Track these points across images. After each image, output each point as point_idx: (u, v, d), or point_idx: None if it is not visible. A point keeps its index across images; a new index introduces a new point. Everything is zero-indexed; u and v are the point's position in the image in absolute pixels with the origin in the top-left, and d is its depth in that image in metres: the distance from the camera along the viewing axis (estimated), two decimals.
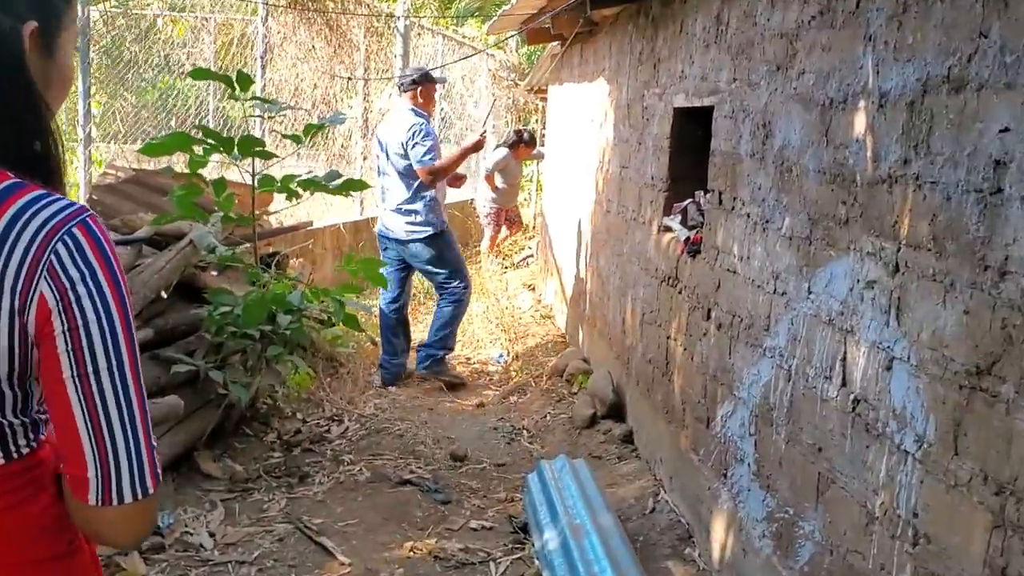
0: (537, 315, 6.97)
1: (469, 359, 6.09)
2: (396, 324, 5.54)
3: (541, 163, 11.56)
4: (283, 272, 5.79)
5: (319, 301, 4.19)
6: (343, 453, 4.05)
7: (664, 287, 3.69)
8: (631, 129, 4.49)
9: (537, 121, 13.41)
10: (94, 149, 7.08)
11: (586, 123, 5.82)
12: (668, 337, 3.60)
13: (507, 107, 14.51)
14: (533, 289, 8.27)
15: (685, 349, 3.35)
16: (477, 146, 5.75)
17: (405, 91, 5.44)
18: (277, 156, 3.90)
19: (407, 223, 5.39)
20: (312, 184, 3.92)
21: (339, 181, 3.94)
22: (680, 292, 3.45)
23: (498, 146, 10.13)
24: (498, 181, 9.24)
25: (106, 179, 4.25)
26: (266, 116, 4.05)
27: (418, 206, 5.36)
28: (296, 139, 3.95)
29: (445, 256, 5.46)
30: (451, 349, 5.64)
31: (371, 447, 4.15)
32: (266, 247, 6.03)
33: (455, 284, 5.48)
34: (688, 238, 3.40)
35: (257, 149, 3.72)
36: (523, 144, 9.74)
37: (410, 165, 5.28)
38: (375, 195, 6.23)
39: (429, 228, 5.37)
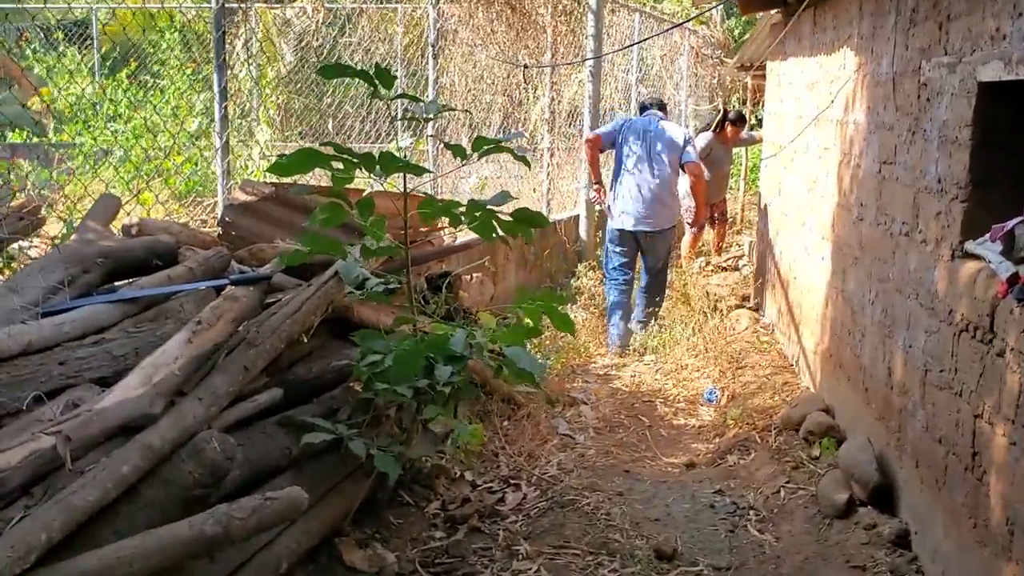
0: (755, 338, 5.90)
1: (669, 398, 5.16)
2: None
3: (754, 149, 10.32)
4: (455, 295, 5.08)
5: (486, 350, 3.41)
6: (518, 538, 3.25)
7: (967, 340, 2.62)
8: (898, 113, 3.39)
9: (741, 101, 12.11)
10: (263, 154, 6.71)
11: (822, 104, 4.71)
12: (977, 416, 2.52)
13: (710, 87, 13.29)
14: (746, 300, 7.17)
15: (1014, 443, 2.28)
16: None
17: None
18: (429, 171, 3.13)
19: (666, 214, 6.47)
20: (479, 207, 3.12)
21: (510, 210, 3.12)
22: (1001, 354, 2.37)
23: (701, 130, 9.05)
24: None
25: (241, 196, 3.66)
26: (422, 119, 3.27)
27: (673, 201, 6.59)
28: (459, 152, 3.16)
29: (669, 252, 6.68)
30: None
31: (552, 529, 3.33)
32: (439, 265, 5.35)
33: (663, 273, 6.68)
34: (1016, 275, 2.32)
35: (403, 164, 2.97)
36: (731, 125, 8.63)
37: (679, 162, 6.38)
38: (564, 191, 6.67)
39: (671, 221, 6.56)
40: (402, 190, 3.19)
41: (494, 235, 3.25)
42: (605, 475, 3.98)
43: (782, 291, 5.67)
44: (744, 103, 12.43)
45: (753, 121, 10.39)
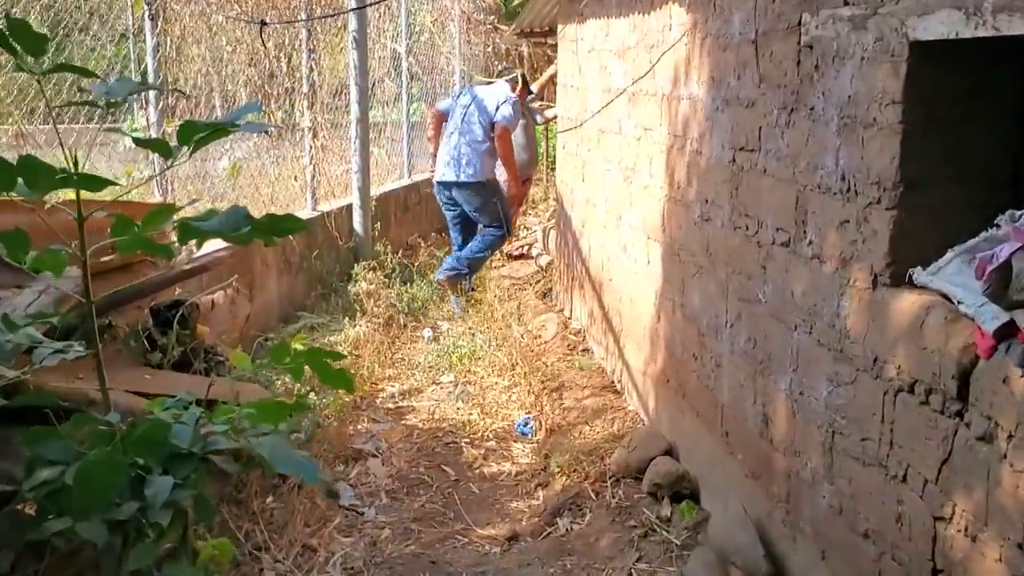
0: (567, 347, 5.13)
1: (476, 434, 4.27)
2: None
3: (552, 128, 9.62)
4: (193, 330, 3.90)
5: (232, 431, 2.34)
6: None
7: (913, 406, 1.88)
8: (763, 86, 2.63)
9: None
10: None
11: (639, 75, 3.95)
12: (940, 519, 1.79)
13: (485, 56, 12.50)
14: (547, 298, 6.41)
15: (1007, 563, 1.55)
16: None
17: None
18: (113, 183, 1.98)
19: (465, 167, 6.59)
20: (194, 233, 2.01)
21: (246, 224, 2.04)
22: (988, 439, 1.64)
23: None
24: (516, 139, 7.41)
25: None
26: (100, 102, 2.09)
27: (482, 151, 6.55)
28: (162, 150, 2.03)
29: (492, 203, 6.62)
30: (473, 274, 6.73)
31: None
32: (172, 292, 4.13)
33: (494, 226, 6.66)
34: (1011, 326, 1.58)
35: (60, 177, 1.82)
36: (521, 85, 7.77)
37: (491, 123, 6.53)
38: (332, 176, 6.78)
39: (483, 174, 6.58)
40: (111, 197, 2.04)
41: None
42: (409, 566, 3.02)
43: (593, 292, 4.92)
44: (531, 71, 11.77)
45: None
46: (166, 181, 4.76)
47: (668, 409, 3.61)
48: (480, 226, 6.83)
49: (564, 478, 3.60)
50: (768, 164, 2.61)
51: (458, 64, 11.31)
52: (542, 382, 4.61)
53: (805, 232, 2.38)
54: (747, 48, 2.74)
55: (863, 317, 2.09)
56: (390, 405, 4.72)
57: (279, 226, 2.17)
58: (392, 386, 5.02)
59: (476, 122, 6.69)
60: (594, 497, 3.40)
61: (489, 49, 12.37)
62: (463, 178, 6.67)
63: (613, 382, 4.49)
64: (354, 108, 6.78)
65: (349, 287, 6.14)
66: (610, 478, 3.47)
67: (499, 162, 6.62)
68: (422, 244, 7.87)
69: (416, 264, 7.17)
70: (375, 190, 7.90)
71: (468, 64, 12.26)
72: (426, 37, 10.30)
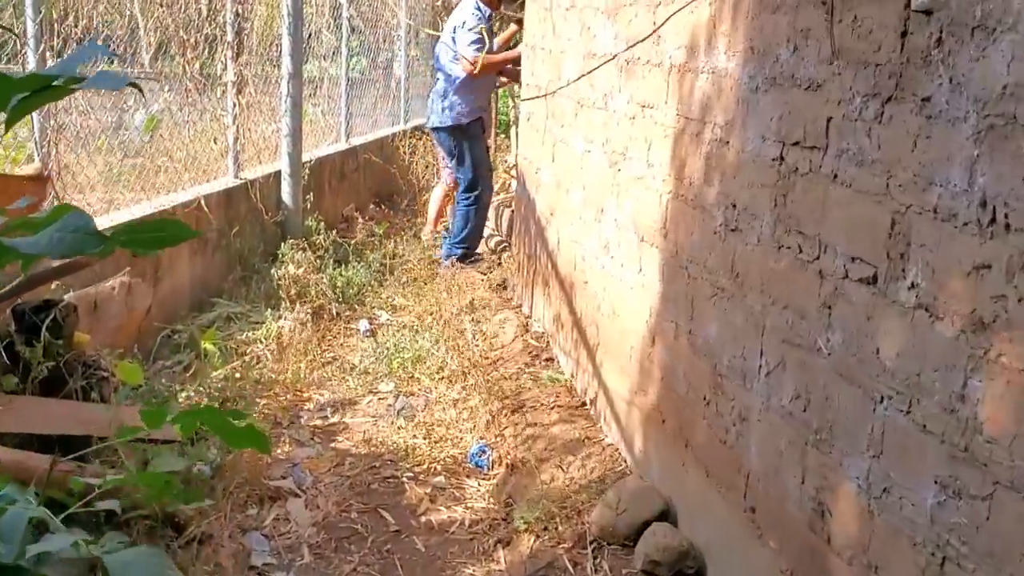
0: (529, 356, 4.45)
1: (420, 467, 3.58)
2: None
3: (513, 91, 8.82)
4: (69, 337, 3.13)
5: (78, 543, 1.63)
6: None
7: None
8: (840, 64, 1.97)
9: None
10: None
11: (637, 37, 3.25)
12: None
13: (434, 9, 11.62)
14: (503, 290, 5.72)
15: None
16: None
17: None
18: None
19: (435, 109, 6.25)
20: (11, 254, 1.27)
21: (92, 242, 1.31)
22: None
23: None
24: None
25: None
26: None
27: (453, 97, 6.16)
28: None
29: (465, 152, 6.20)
30: (473, 249, 6.36)
31: None
32: (48, 289, 3.35)
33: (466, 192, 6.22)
34: None
35: None
36: None
37: (455, 53, 6.04)
38: (258, 139, 6.13)
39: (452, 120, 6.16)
40: None
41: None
42: None
43: (562, 293, 4.24)
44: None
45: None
46: (48, 142, 3.90)
47: (663, 456, 2.96)
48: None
49: (532, 538, 2.93)
50: (841, 169, 1.94)
51: (404, 17, 10.44)
52: (500, 398, 3.93)
53: (904, 271, 1.73)
54: (812, 9, 2.06)
55: (1012, 410, 1.45)
56: (318, 421, 4.00)
57: (153, 236, 1.42)
58: (321, 395, 4.29)
59: (445, 55, 6.23)
60: (571, 570, 2.74)
61: (439, 3, 11.49)
62: (433, 122, 6.35)
63: (585, 403, 3.83)
64: (286, 62, 5.95)
65: (274, 270, 5.35)
66: (591, 543, 2.81)
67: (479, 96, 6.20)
68: (359, 218, 7.08)
69: (353, 242, 6.39)
70: (308, 155, 7.08)
71: (416, 18, 11.38)
72: None
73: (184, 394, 3.70)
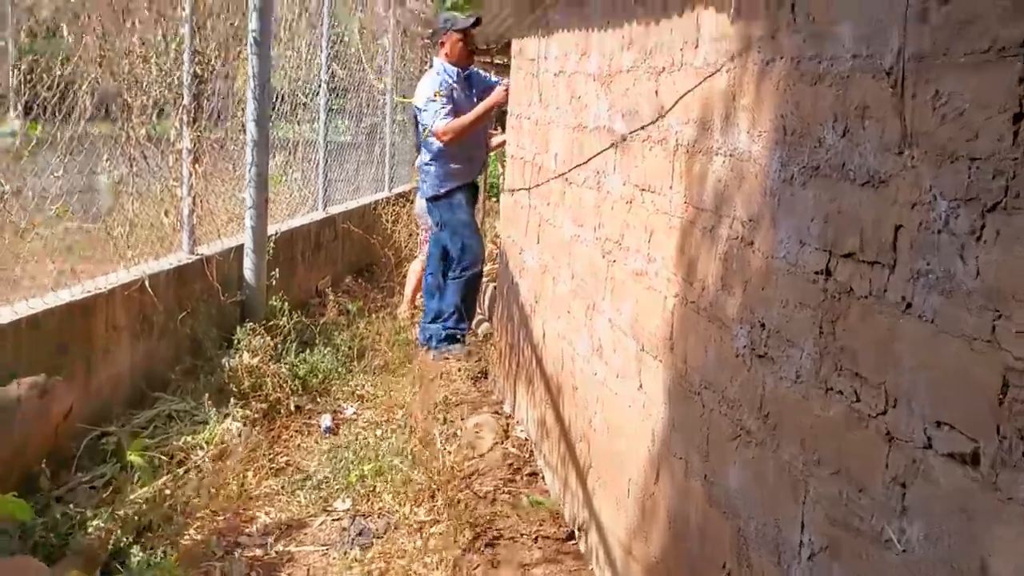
0: (507, 465, 3.89)
1: None
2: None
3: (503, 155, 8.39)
4: None
5: None
6: None
7: None
8: (915, 155, 1.47)
9: None
10: None
11: (636, 110, 2.78)
12: None
13: (423, 74, 11.27)
14: (480, 381, 5.17)
15: None
16: (501, 99, 5.52)
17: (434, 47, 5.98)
18: None
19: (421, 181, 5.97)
20: None
21: None
22: None
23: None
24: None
25: None
26: None
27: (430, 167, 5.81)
28: None
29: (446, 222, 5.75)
30: (458, 331, 5.74)
31: None
32: None
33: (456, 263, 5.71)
34: None
35: None
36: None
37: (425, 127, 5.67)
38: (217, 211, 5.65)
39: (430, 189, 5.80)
40: None
41: None
42: None
43: (548, 396, 3.71)
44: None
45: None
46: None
47: None
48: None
49: None
50: (918, 297, 1.43)
51: (390, 81, 10.07)
52: (472, 526, 3.36)
53: None
54: (870, 83, 1.57)
55: None
56: (258, 551, 3.42)
57: None
58: (267, 514, 3.72)
59: (418, 125, 5.95)
60: None
61: (427, 67, 11.15)
62: (424, 192, 6.01)
63: (573, 533, 3.27)
64: (251, 129, 5.48)
65: (226, 359, 4.80)
66: None
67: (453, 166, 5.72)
68: (332, 294, 6.57)
69: (321, 323, 5.86)
70: (281, 225, 6.61)
71: (403, 82, 11.05)
72: (354, 49, 9.03)
73: (96, 521, 3.12)
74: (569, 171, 3.55)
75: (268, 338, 5.02)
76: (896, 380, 1.48)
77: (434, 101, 5.55)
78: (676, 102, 2.49)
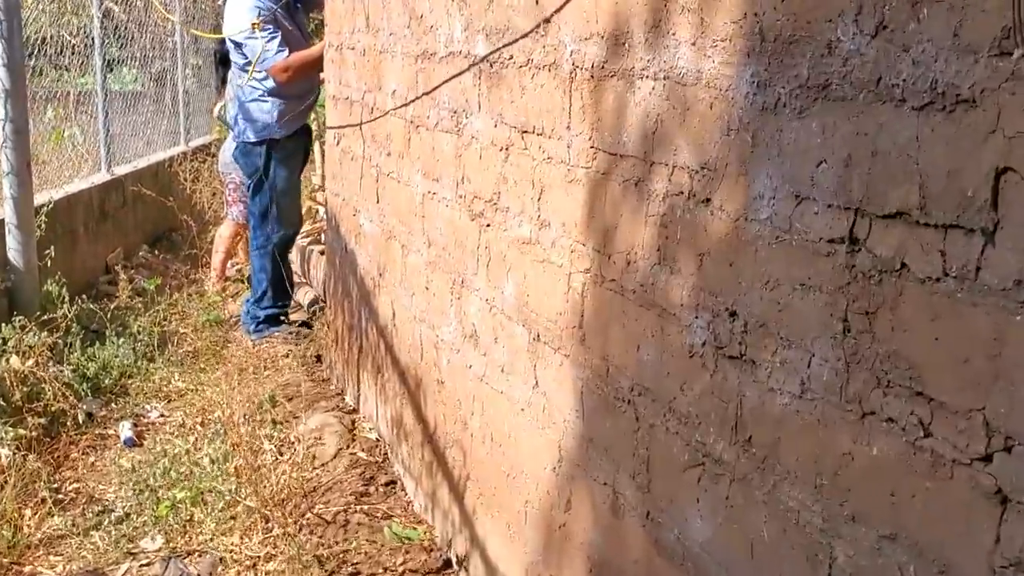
0: (358, 475, 3.25)
1: None
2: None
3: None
4: None
5: None
6: None
7: None
8: None
9: None
10: None
11: (501, 27, 2.17)
12: None
13: (217, 10, 10.12)
14: (319, 365, 4.48)
15: None
16: None
17: None
18: None
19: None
20: None
21: None
22: None
23: None
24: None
25: None
26: None
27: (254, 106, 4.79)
28: None
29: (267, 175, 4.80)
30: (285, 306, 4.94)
31: None
32: None
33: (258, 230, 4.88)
34: None
35: None
36: None
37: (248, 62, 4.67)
38: None
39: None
40: None
41: None
42: None
43: (404, 390, 3.08)
44: None
45: None
46: None
47: None
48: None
49: None
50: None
51: (178, 19, 8.93)
52: (321, 562, 2.72)
53: None
54: None
55: None
56: None
57: None
58: (53, 567, 2.93)
59: (234, 60, 4.98)
60: None
61: (219, 2, 10.00)
62: (239, 139, 5.03)
63: (450, 561, 2.69)
64: (1, 78, 4.45)
65: None
66: None
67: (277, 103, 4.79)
68: (122, 270, 5.63)
69: (111, 308, 4.95)
70: (55, 192, 5.58)
71: (195, 20, 9.88)
72: None
73: None
74: (406, 104, 2.90)
75: (44, 334, 4.11)
76: (1005, 407, 0.97)
77: (257, 33, 4.58)
78: (563, 6, 1.89)
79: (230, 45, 4.85)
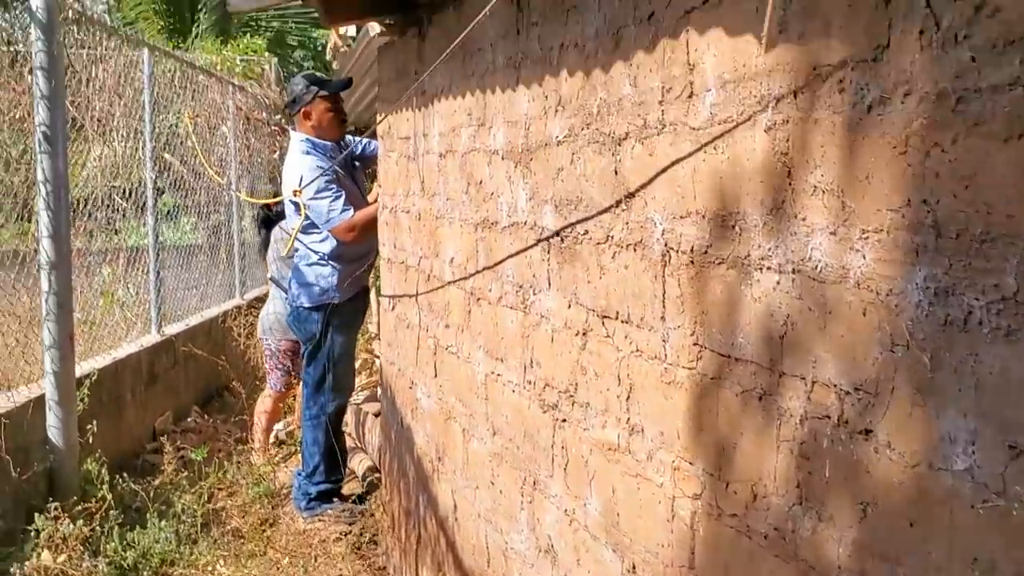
0: None
1: None
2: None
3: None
4: None
5: None
6: None
7: None
8: None
9: None
10: None
11: (574, 197, 1.91)
12: None
13: (270, 164, 10.25)
14: (374, 550, 4.12)
15: None
16: None
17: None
18: None
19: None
20: None
21: None
22: None
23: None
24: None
25: None
26: None
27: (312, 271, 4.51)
28: None
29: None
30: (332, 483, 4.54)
31: None
32: None
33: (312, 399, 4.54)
34: None
35: None
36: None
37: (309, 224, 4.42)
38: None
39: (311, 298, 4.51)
40: None
41: None
42: None
43: None
44: None
45: None
46: None
47: None
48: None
49: None
50: None
51: (233, 174, 9.02)
52: None
53: None
54: None
55: None
56: None
57: None
58: None
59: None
60: None
61: (275, 155, 10.14)
62: (293, 304, 4.70)
63: None
64: (45, 247, 4.35)
65: (15, 568, 3.59)
66: None
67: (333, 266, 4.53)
68: (168, 441, 5.39)
69: (154, 486, 4.68)
70: (100, 360, 5.43)
71: (249, 174, 10.01)
72: (187, 140, 7.95)
73: None
74: (466, 278, 2.64)
75: (78, 524, 3.83)
76: None
77: (322, 193, 4.32)
78: (651, 180, 1.62)
79: (288, 207, 4.63)
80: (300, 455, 4.70)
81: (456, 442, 2.84)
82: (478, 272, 2.57)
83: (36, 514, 3.88)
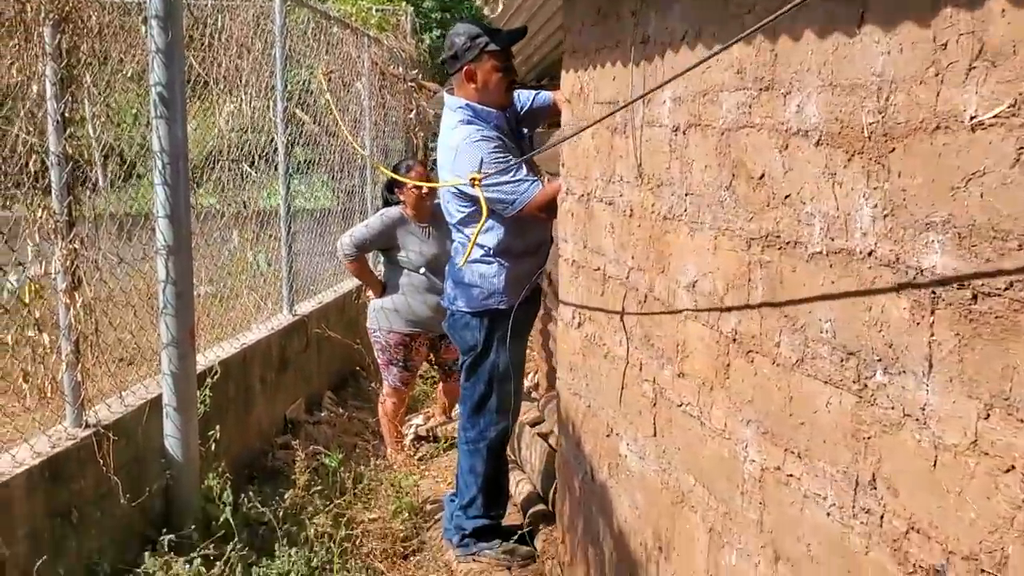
0: None
1: None
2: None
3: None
4: None
5: None
6: None
7: None
8: None
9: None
10: None
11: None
12: None
13: (406, 125, 9.57)
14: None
15: None
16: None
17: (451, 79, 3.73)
18: None
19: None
20: None
21: None
22: None
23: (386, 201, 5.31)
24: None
25: None
26: None
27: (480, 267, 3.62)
28: None
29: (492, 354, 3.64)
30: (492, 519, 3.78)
31: None
32: None
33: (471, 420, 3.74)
34: None
35: None
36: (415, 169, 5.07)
37: (474, 209, 3.46)
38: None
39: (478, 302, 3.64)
40: None
41: None
42: None
43: None
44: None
45: None
46: None
47: None
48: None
49: None
50: None
51: (368, 135, 8.35)
52: None
53: None
54: None
55: None
56: None
57: None
58: None
59: (449, 211, 3.73)
60: None
61: (411, 115, 9.44)
62: (450, 308, 3.80)
63: None
64: (162, 229, 3.70)
65: None
66: None
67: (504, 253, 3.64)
68: (299, 437, 4.76)
69: (284, 505, 4.04)
70: (225, 348, 4.86)
71: (383, 135, 9.34)
72: (319, 98, 7.30)
73: None
74: (725, 310, 1.79)
75: (195, 565, 3.21)
76: None
77: (505, 174, 3.39)
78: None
79: (448, 198, 3.66)
80: (455, 479, 3.95)
81: (694, 539, 2.01)
82: (749, 307, 1.71)
83: (147, 552, 3.28)
